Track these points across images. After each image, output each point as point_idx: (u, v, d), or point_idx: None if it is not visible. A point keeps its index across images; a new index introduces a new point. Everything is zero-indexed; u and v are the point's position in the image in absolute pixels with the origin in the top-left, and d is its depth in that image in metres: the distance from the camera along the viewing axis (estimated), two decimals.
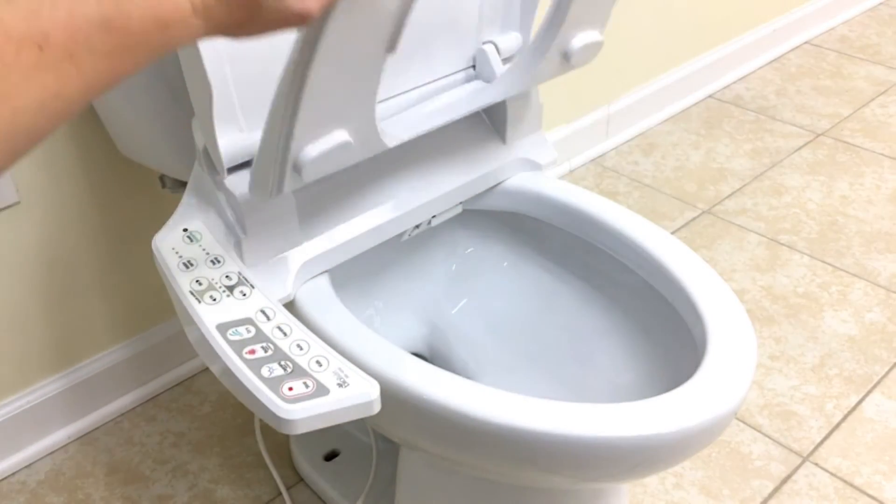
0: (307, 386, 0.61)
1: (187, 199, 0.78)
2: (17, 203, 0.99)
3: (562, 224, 0.90)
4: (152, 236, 0.74)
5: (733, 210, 1.55)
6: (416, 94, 0.86)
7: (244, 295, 0.69)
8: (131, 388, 1.19)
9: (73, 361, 1.12)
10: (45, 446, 1.13)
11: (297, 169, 0.67)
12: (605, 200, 0.89)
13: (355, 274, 0.90)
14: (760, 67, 1.99)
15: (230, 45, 0.70)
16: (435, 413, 0.68)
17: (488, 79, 0.88)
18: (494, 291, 0.97)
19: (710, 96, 1.89)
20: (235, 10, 0.42)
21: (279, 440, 1.13)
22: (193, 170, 0.79)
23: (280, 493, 1.07)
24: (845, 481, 1.08)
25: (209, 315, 0.67)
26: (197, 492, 1.08)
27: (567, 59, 0.82)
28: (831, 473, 1.09)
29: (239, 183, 0.75)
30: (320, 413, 0.61)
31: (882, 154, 1.69)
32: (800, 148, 1.71)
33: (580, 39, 0.81)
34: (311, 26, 0.54)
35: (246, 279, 0.70)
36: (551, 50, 0.79)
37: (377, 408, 0.62)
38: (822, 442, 1.13)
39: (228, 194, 0.75)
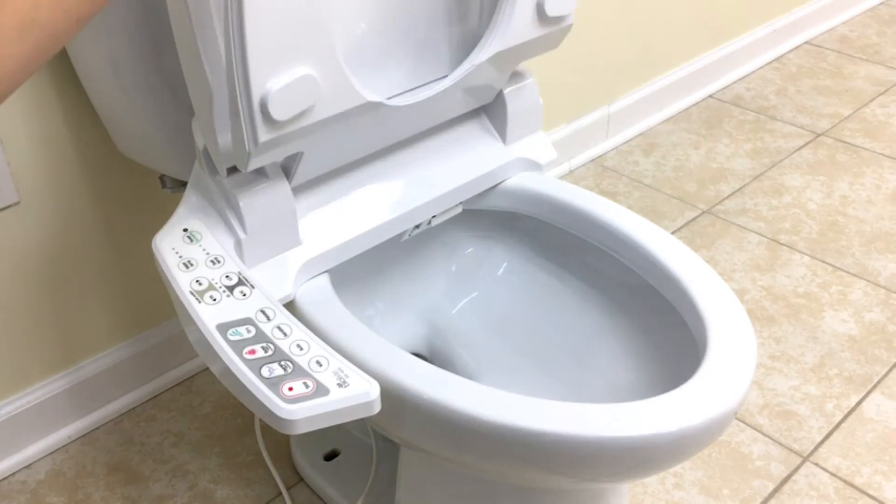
0: (307, 386, 0.61)
1: (187, 199, 0.78)
2: (17, 203, 0.99)
3: (562, 224, 0.90)
4: (152, 236, 0.74)
5: (733, 210, 1.55)
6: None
7: (244, 295, 0.69)
8: (131, 388, 1.19)
9: (73, 361, 1.12)
10: (45, 446, 1.13)
11: (265, 111, 0.67)
12: (605, 200, 0.89)
13: (355, 274, 0.90)
14: (760, 67, 1.99)
15: None
16: (435, 413, 0.68)
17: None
18: (494, 291, 0.97)
19: (710, 96, 1.89)
20: None
21: (279, 440, 1.13)
22: (193, 170, 0.79)
23: (280, 493, 1.07)
24: (845, 481, 1.08)
25: (209, 315, 0.67)
26: (197, 492, 1.08)
27: (542, 7, 0.82)
28: (831, 473, 1.09)
29: (239, 183, 0.75)
30: (320, 413, 0.61)
31: (882, 154, 1.69)
32: (800, 148, 1.71)
33: None
34: None
35: (246, 279, 0.70)
36: None
37: (377, 408, 0.62)
38: (822, 442, 1.13)
39: (228, 194, 0.75)
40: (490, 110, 0.93)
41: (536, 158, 0.94)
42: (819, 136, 1.75)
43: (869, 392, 1.20)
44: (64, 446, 1.14)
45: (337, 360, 0.64)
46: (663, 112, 1.80)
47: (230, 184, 0.75)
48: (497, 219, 0.95)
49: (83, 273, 1.08)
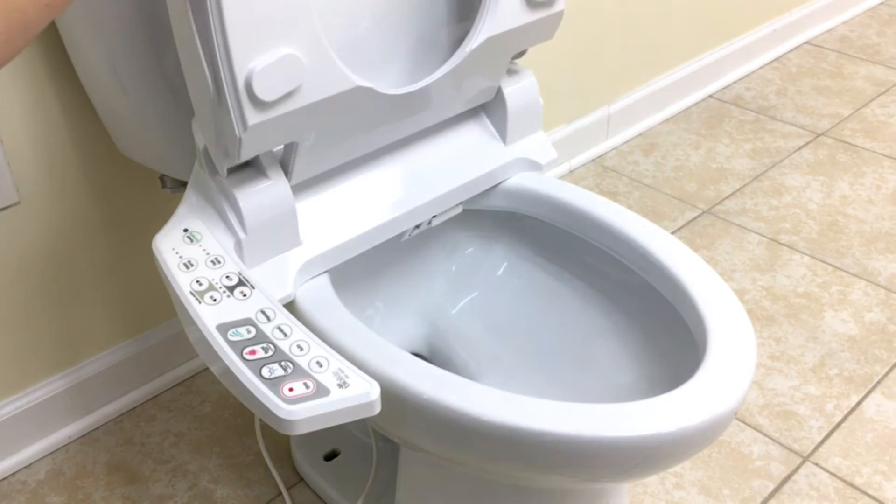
0: (307, 386, 0.61)
1: (187, 199, 0.78)
2: (17, 203, 0.99)
3: (562, 224, 0.90)
4: (152, 236, 0.74)
5: (733, 210, 1.55)
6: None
7: (244, 295, 0.69)
8: (131, 388, 1.19)
9: (73, 361, 1.12)
10: (46, 446, 1.13)
11: (250, 91, 0.67)
12: (606, 200, 0.89)
13: (355, 274, 0.90)
14: (760, 67, 1.99)
15: None
16: (435, 413, 0.68)
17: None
18: (494, 291, 0.97)
19: (710, 96, 1.89)
20: None
21: (279, 440, 1.13)
22: (193, 170, 0.79)
23: (280, 493, 1.07)
24: (845, 481, 1.08)
25: (209, 315, 0.67)
26: (197, 492, 1.08)
27: None
28: (831, 473, 1.09)
29: (239, 183, 0.75)
30: (321, 414, 0.61)
31: (882, 154, 1.69)
32: (800, 148, 1.71)
33: None
34: None
35: (246, 279, 0.70)
36: None
37: (377, 408, 0.62)
38: (822, 442, 1.13)
39: (228, 194, 0.75)
40: (490, 110, 0.93)
41: (537, 158, 0.94)
42: (819, 136, 1.75)
43: (869, 392, 1.20)
44: (64, 446, 1.14)
45: (337, 361, 0.64)
46: (663, 112, 1.80)
47: (230, 184, 0.75)
48: (497, 219, 0.95)
49: (83, 273, 1.08)
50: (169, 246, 0.73)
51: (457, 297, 0.97)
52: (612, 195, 1.59)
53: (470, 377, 0.86)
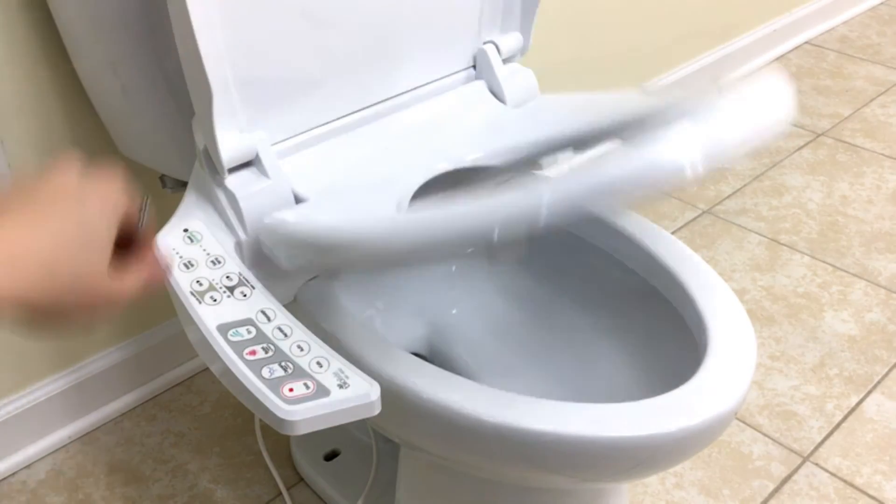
0: (308, 387, 0.61)
1: (187, 199, 0.78)
2: None
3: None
4: None
5: (733, 210, 1.55)
6: (413, 95, 0.86)
7: (245, 295, 0.69)
8: (131, 388, 1.19)
9: (73, 361, 1.12)
10: (46, 446, 1.13)
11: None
12: None
13: (355, 274, 0.90)
14: (761, 67, 1.99)
15: (231, 45, 0.70)
16: (435, 413, 0.68)
17: (489, 80, 0.88)
18: (495, 292, 0.97)
19: None
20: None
21: (279, 440, 1.13)
22: (193, 170, 0.79)
23: (280, 493, 1.07)
24: (846, 481, 1.08)
25: (210, 316, 0.67)
26: (197, 492, 1.08)
27: None
28: (831, 473, 1.09)
29: (239, 183, 0.75)
30: (321, 414, 0.60)
31: (882, 154, 1.69)
32: (800, 148, 1.71)
33: None
34: None
35: (246, 280, 0.70)
36: None
37: (378, 409, 0.62)
38: (822, 442, 1.13)
39: (228, 194, 0.75)
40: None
41: None
42: (819, 136, 1.75)
43: (869, 392, 1.20)
44: (64, 446, 1.14)
45: (337, 361, 0.64)
46: None
47: (230, 184, 0.75)
48: None
49: None
50: (169, 246, 0.73)
51: (457, 298, 0.97)
52: None
53: (470, 377, 0.86)
